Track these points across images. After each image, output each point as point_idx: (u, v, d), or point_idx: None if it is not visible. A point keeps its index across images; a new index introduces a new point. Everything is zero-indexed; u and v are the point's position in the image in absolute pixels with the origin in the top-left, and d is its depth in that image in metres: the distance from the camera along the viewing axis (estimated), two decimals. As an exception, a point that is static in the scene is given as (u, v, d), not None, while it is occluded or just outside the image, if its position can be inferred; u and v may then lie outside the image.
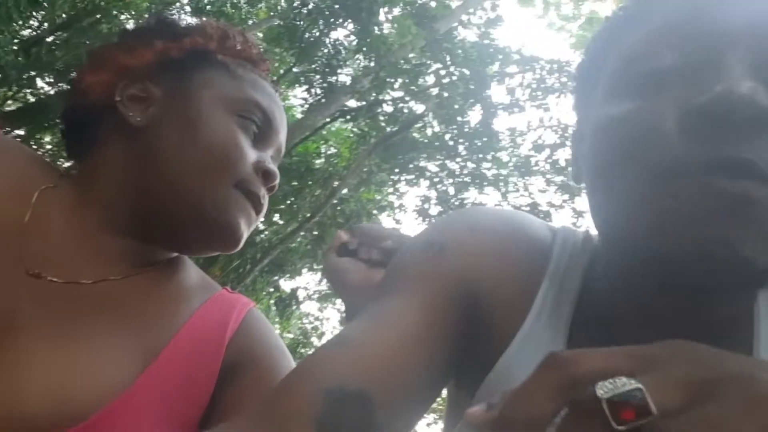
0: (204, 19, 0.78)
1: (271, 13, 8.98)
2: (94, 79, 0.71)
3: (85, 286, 0.63)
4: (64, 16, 7.11)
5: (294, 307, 10.23)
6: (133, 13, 7.79)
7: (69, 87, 0.75)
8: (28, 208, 0.64)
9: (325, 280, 10.42)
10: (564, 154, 8.37)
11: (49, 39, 7.18)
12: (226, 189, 0.68)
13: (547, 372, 0.30)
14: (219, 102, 0.70)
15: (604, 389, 0.27)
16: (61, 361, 0.57)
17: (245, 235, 0.71)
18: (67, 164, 0.82)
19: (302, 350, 10.75)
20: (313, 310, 12.89)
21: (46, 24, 7.45)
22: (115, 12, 7.16)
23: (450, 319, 0.54)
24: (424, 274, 0.57)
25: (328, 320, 11.92)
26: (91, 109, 0.70)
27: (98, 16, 7.03)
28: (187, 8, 8.64)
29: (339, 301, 11.19)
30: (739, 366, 0.28)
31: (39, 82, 7.73)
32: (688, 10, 0.48)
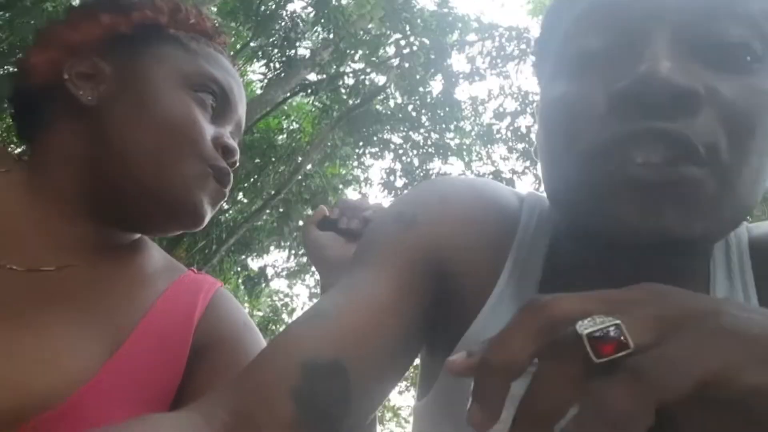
0: None
1: (225, -13, 8.74)
2: (40, 58, 0.68)
3: (46, 273, 0.61)
4: (4, -6, 6.79)
5: (263, 286, 10.19)
6: (78, -11, 7.49)
7: (15, 68, 0.72)
8: None
9: (293, 257, 10.41)
10: (525, 122, 8.46)
11: (-9, 19, 6.86)
12: (186, 166, 0.66)
13: (526, 316, 0.32)
14: (173, 77, 0.68)
15: (583, 326, 0.29)
16: (21, 350, 0.55)
17: (209, 212, 0.70)
18: (18, 149, 0.79)
19: (273, 327, 10.76)
20: (283, 287, 12.90)
21: (-15, 3, 7.11)
22: (59, -11, 6.86)
23: (422, 287, 0.55)
24: (396, 245, 0.57)
25: (298, 296, 11.97)
26: (39, 90, 0.68)
27: (42, -7, 6.73)
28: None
29: (308, 277, 11.22)
30: (704, 303, 0.30)
31: (-18, 65, 7.40)
32: None
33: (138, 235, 0.72)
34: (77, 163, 0.65)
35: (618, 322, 0.29)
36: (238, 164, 0.74)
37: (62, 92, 0.66)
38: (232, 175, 0.71)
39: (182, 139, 0.66)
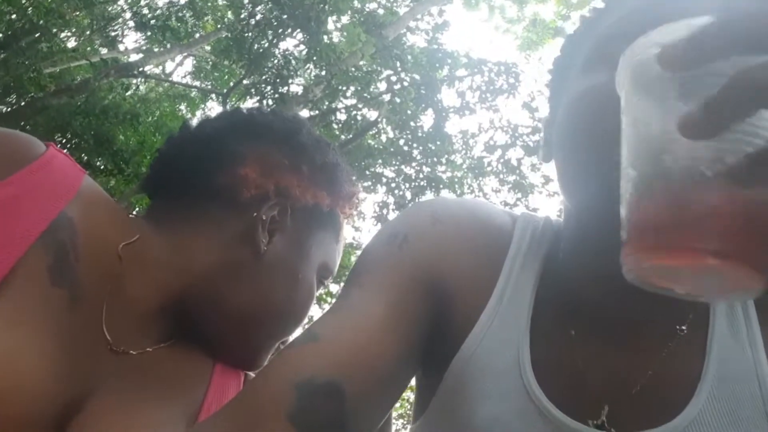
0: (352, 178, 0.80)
1: (219, 26, 8.89)
2: (253, 175, 0.68)
3: (132, 355, 0.63)
4: (0, 36, 6.87)
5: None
6: (73, 30, 7.58)
7: (216, 151, 0.71)
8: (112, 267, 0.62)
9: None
10: (515, 154, 8.55)
11: (-14, 60, 6.92)
12: (270, 347, 0.70)
13: None
14: (318, 263, 0.72)
15: None
16: (124, 425, 0.58)
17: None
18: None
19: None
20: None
21: (-18, 45, 7.18)
22: (54, 30, 6.96)
23: (415, 307, 0.56)
24: (388, 266, 0.58)
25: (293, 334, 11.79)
26: (223, 191, 0.68)
27: (37, 35, 6.82)
28: (131, 23, 8.47)
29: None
30: None
31: (-23, 105, 7.44)
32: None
33: None
34: (210, 274, 0.66)
35: None
36: None
37: (241, 210, 0.68)
38: None
39: (293, 326, 0.70)
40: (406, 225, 0.63)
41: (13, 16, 6.80)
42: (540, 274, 0.59)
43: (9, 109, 7.28)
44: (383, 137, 9.40)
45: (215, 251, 0.66)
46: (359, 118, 8.76)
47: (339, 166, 0.75)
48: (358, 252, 0.90)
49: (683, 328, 0.55)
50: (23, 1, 6.68)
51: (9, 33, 6.79)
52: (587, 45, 0.56)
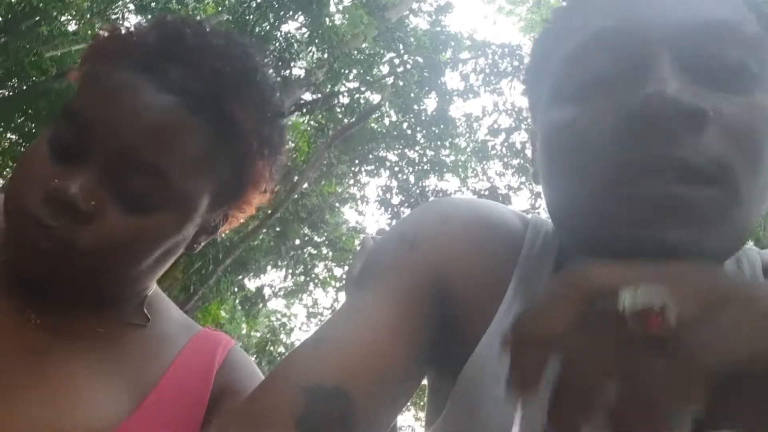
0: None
1: (219, 8, 8.82)
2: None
3: (74, 332, 0.64)
4: (0, 20, 6.83)
5: (260, 306, 10.14)
6: (73, 13, 7.54)
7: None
8: None
9: (290, 277, 10.37)
10: (519, 137, 8.51)
11: (-14, 44, 6.89)
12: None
13: (565, 284, 0.30)
14: None
15: (628, 297, 0.27)
16: (47, 401, 0.58)
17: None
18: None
19: (271, 348, 10.68)
20: (280, 307, 12.82)
21: (-19, 29, 7.15)
22: (55, 13, 6.92)
23: (424, 310, 0.55)
24: (397, 268, 0.57)
25: (296, 316, 11.90)
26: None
27: (37, 18, 6.78)
28: (131, 6, 8.41)
29: (306, 296, 11.16)
30: (743, 286, 0.30)
31: (-22, 90, 7.43)
32: (619, 16, 0.49)
33: (152, 292, 0.73)
34: None
35: (663, 294, 0.27)
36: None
37: None
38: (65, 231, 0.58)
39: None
40: (415, 226, 0.61)
41: (13, 0, 6.77)
42: (551, 277, 0.58)
43: (10, 94, 7.27)
44: (386, 121, 9.37)
45: None
46: (362, 101, 8.72)
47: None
48: (362, 236, 0.89)
49: None
50: (23, -16, 6.64)
51: (9, 17, 6.76)
52: (554, 62, 0.54)
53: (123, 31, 0.65)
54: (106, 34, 0.66)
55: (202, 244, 0.71)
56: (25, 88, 7.18)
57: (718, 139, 0.44)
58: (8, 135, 7.35)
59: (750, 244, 0.61)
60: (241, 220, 0.77)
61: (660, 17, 0.48)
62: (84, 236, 0.57)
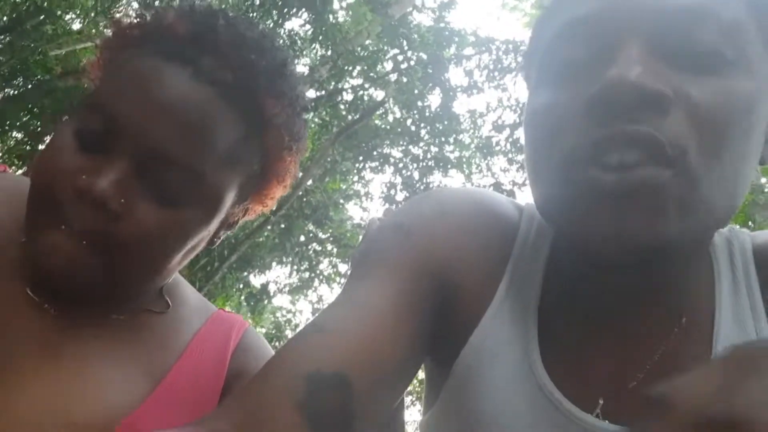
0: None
1: (223, 5, 8.81)
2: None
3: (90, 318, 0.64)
4: (5, 19, 6.85)
5: (265, 302, 10.16)
6: (78, 12, 7.55)
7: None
8: None
9: (295, 273, 10.38)
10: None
11: (-8, 43, 6.91)
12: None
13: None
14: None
15: None
16: (65, 386, 0.58)
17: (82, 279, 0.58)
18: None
19: (277, 344, 10.67)
20: (285, 303, 12.84)
21: (-13, 28, 7.17)
22: (59, 12, 6.93)
23: (421, 297, 0.56)
24: (393, 257, 0.58)
25: (301, 312, 11.89)
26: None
27: (42, 17, 6.79)
28: (135, 4, 8.42)
29: (310, 293, 11.15)
30: None
31: (-16, 88, 7.45)
32: (592, 3, 0.50)
33: (171, 278, 0.72)
34: None
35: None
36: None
37: None
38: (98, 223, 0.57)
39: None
40: (411, 215, 0.62)
41: (18, -1, 6.78)
42: (546, 265, 0.59)
43: (16, 92, 7.29)
44: (390, 117, 9.35)
45: None
46: (366, 98, 8.71)
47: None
48: (368, 218, 0.89)
49: (682, 320, 0.54)
50: (27, -17, 6.65)
51: (14, 16, 6.77)
52: (538, 51, 0.56)
53: (149, 18, 0.63)
54: (130, 20, 0.63)
55: (222, 238, 0.70)
56: (30, 86, 7.20)
57: (681, 122, 0.45)
58: (14, 133, 7.37)
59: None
60: (257, 214, 0.75)
61: (634, 3, 0.48)
62: (116, 233, 0.56)
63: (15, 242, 0.62)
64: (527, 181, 0.56)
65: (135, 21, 0.63)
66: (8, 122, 6.91)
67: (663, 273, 0.51)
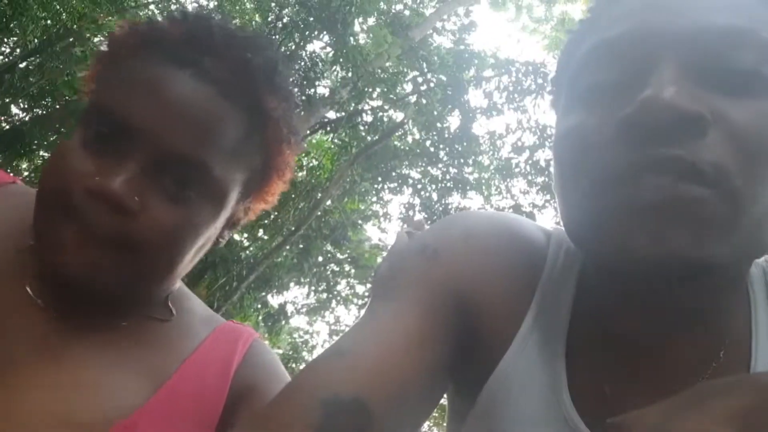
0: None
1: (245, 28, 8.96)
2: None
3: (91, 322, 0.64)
4: (36, 41, 7.04)
5: (283, 323, 10.15)
6: (106, 34, 7.73)
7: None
8: None
9: (313, 294, 10.38)
10: (544, 155, 8.45)
11: (22, 65, 7.10)
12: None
13: None
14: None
15: None
16: (65, 387, 0.58)
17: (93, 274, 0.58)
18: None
19: (293, 365, 10.66)
20: (303, 324, 12.82)
21: (18, 50, 7.37)
22: (88, 35, 7.11)
23: (444, 324, 0.54)
24: (418, 280, 0.56)
25: (318, 334, 11.87)
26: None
27: (71, 39, 6.97)
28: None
29: (328, 314, 11.13)
30: None
31: (13, 109, 7.64)
32: (628, 24, 0.49)
33: (177, 287, 0.73)
34: None
35: None
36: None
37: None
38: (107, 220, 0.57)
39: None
40: (436, 238, 0.61)
41: (48, 22, 6.97)
42: (575, 292, 0.57)
43: (44, 112, 7.47)
44: (409, 138, 9.39)
45: None
46: (385, 119, 8.76)
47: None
48: (384, 254, 0.88)
49: (720, 354, 0.52)
50: (57, 7, 6.84)
51: (44, 38, 6.96)
52: (567, 73, 0.54)
53: (144, 26, 0.66)
54: (125, 28, 0.66)
55: (226, 238, 0.72)
56: (57, 107, 7.37)
57: (720, 144, 0.43)
58: (41, 152, 7.53)
59: None
60: (257, 213, 0.76)
61: (669, 24, 0.47)
62: (133, 231, 0.57)
63: (20, 246, 0.63)
64: (547, 203, 0.54)
65: (130, 30, 0.66)
66: (36, 141, 7.06)
67: (702, 299, 0.49)
